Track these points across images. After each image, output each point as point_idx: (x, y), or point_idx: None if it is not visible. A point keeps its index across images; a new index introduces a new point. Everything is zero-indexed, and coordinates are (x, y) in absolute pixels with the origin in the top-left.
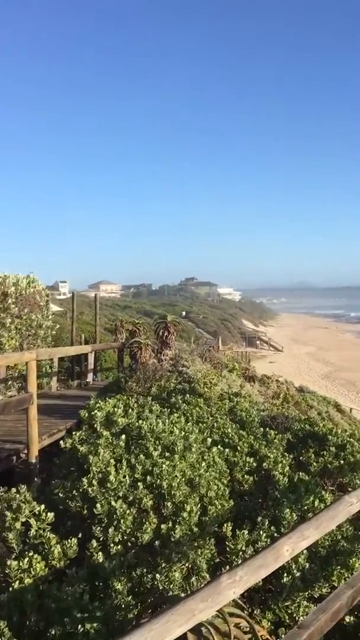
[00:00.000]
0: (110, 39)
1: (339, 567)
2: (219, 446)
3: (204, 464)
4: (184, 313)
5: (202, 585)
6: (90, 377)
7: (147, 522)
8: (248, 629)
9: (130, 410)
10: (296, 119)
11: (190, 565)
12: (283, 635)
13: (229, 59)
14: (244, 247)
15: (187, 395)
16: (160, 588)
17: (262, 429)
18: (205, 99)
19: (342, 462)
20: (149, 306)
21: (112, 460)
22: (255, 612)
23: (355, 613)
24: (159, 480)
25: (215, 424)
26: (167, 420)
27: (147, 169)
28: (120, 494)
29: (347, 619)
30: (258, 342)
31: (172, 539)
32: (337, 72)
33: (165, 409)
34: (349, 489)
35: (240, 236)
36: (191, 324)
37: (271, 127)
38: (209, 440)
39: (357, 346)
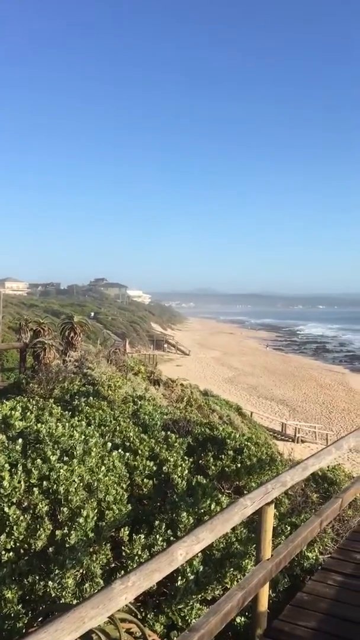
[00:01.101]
0: None
1: (232, 569)
2: (120, 450)
3: (103, 468)
4: (92, 314)
5: (94, 592)
6: None
7: (41, 528)
8: (139, 633)
9: (29, 413)
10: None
11: (84, 572)
12: (175, 639)
13: None
14: (154, 250)
15: (91, 398)
16: (53, 595)
17: (163, 433)
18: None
19: (239, 465)
20: (57, 306)
21: (6, 465)
22: (148, 616)
23: (247, 614)
24: (55, 486)
25: (117, 427)
26: (67, 424)
27: (54, 162)
28: (14, 499)
29: (238, 619)
30: (166, 345)
31: (67, 545)
32: None
33: (67, 412)
34: (245, 492)
35: (150, 240)
36: (100, 325)
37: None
38: (110, 444)
39: (260, 352)
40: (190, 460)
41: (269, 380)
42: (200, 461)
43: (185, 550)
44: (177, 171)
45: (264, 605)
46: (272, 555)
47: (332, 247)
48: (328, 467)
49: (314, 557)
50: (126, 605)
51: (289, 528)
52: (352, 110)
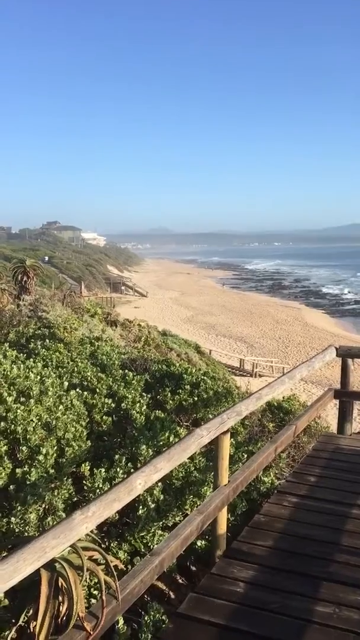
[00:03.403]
0: None
1: (191, 496)
2: (78, 389)
3: (61, 407)
4: (46, 258)
5: (55, 523)
6: None
7: (0, 467)
8: (102, 560)
9: None
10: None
11: (46, 506)
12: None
13: None
14: (107, 190)
15: (47, 340)
16: (17, 531)
17: (121, 371)
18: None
19: (196, 399)
20: (8, 250)
21: None
22: (112, 545)
23: (207, 537)
24: (13, 426)
25: (75, 368)
26: (22, 366)
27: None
28: None
29: (199, 543)
30: (123, 287)
31: (28, 482)
32: None
33: (23, 355)
34: (202, 423)
35: (103, 179)
36: (54, 270)
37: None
38: (67, 383)
39: (217, 291)
40: (149, 396)
41: (227, 318)
42: (158, 397)
43: (144, 480)
44: (131, 106)
45: (222, 528)
46: (229, 481)
47: (286, 185)
48: (284, 397)
49: (270, 482)
50: (90, 536)
51: (245, 456)
52: None
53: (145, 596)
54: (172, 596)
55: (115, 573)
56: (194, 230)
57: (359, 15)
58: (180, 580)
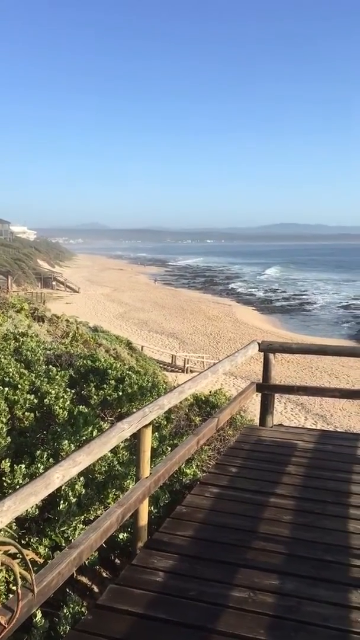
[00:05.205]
0: None
1: (114, 489)
2: None
3: None
4: None
5: None
6: None
7: None
8: (20, 555)
9: None
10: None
11: None
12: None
13: None
14: (40, 182)
15: None
16: None
17: (45, 367)
18: None
19: (120, 393)
20: None
21: None
22: (32, 540)
23: (129, 529)
24: None
25: None
26: None
27: None
28: None
29: (121, 535)
30: (54, 283)
31: None
32: None
33: None
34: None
35: (32, 171)
36: None
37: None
38: None
39: (150, 287)
40: (73, 391)
41: (160, 314)
42: (82, 392)
43: (62, 474)
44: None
45: (144, 519)
46: (150, 474)
47: (218, 182)
48: (210, 392)
49: (192, 473)
50: (8, 532)
51: (170, 449)
52: None
53: (68, 590)
54: (96, 590)
55: (31, 566)
56: (127, 226)
57: None
58: (104, 574)
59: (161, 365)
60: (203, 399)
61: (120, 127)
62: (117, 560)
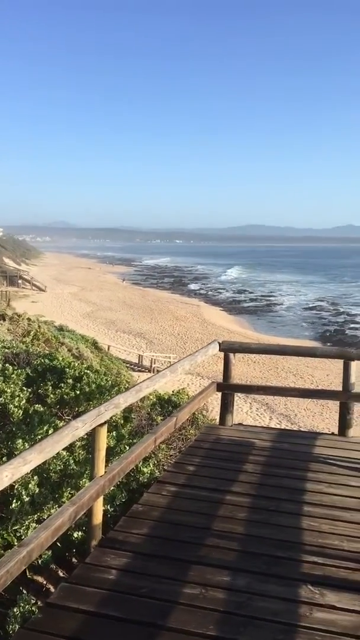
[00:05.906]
0: None
1: (69, 488)
2: None
3: None
4: None
5: None
6: None
7: None
8: None
9: None
10: None
11: None
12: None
13: None
14: (5, 179)
15: None
16: None
17: (1, 366)
18: None
19: (78, 392)
20: None
21: None
22: None
23: (84, 528)
24: None
25: None
26: None
27: None
28: None
29: (76, 534)
30: (20, 281)
31: None
32: None
33: None
34: None
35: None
36: None
37: None
38: None
39: (118, 286)
40: (29, 390)
41: (127, 314)
42: (39, 391)
43: (11, 472)
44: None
45: (98, 518)
46: (105, 472)
47: (190, 183)
48: (173, 391)
49: (149, 472)
50: None
51: (127, 448)
52: None
53: (22, 589)
54: (52, 589)
55: None
56: (96, 225)
57: None
58: (60, 573)
59: (128, 365)
60: (166, 398)
61: (93, 126)
62: (73, 560)
